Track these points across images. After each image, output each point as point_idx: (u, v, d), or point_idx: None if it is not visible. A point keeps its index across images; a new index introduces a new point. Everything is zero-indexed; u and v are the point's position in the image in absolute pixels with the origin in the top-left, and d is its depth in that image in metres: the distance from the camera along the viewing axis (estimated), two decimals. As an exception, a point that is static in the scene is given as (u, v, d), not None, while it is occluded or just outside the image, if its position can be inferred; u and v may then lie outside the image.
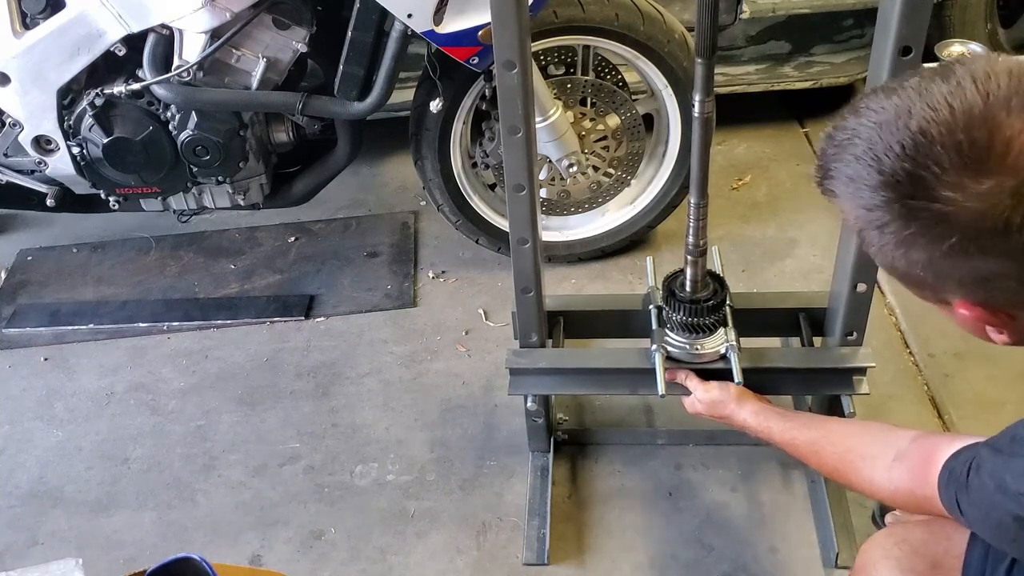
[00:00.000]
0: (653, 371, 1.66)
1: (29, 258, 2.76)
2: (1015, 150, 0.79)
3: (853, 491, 1.48)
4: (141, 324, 2.47)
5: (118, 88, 2.08)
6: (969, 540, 1.15)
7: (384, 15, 2.00)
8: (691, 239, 1.58)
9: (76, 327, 2.47)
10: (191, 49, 2.02)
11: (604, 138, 2.35)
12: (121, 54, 2.06)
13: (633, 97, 2.32)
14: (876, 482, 1.25)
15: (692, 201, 1.55)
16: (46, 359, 2.39)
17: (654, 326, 1.72)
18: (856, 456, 1.31)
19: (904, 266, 0.89)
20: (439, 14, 1.96)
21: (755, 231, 2.60)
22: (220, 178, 2.26)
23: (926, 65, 0.89)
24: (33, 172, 2.27)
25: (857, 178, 0.86)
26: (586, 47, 2.24)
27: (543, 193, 2.40)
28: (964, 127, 0.80)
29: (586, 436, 2.05)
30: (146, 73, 2.06)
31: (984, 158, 0.80)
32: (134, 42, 2.04)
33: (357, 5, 2.00)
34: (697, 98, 1.43)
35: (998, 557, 1.09)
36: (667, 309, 1.67)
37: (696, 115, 1.45)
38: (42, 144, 2.18)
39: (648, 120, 2.39)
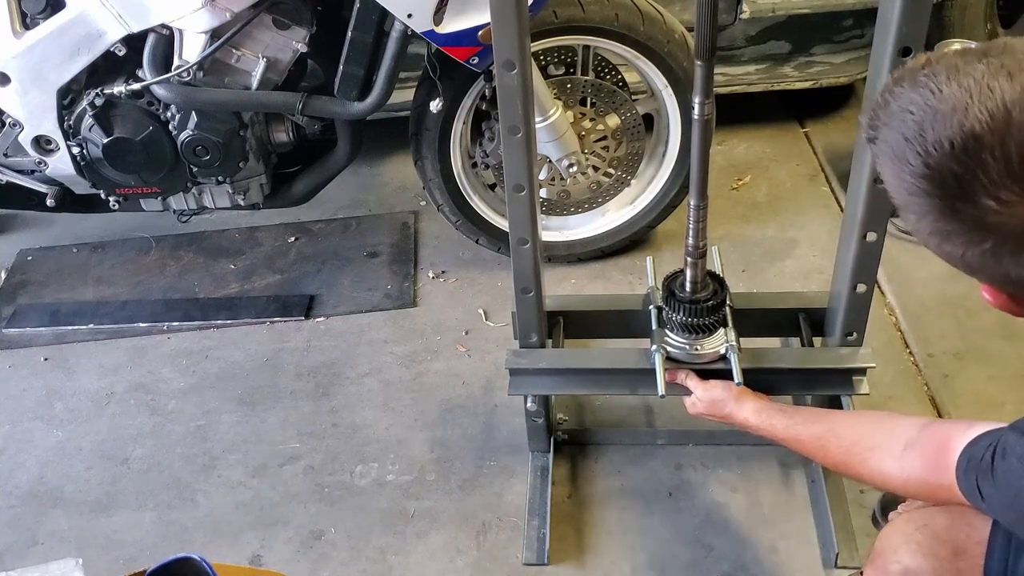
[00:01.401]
0: (653, 371, 1.66)
1: (29, 258, 2.76)
2: None
3: (863, 483, 1.48)
4: (141, 324, 2.47)
5: (118, 88, 2.08)
6: (992, 527, 1.14)
7: (384, 15, 2.00)
8: (691, 241, 1.58)
9: (76, 327, 2.47)
10: (191, 49, 2.02)
11: (604, 138, 2.35)
12: (121, 54, 2.05)
13: (633, 97, 2.32)
14: (887, 472, 1.25)
15: (692, 203, 1.55)
16: (46, 359, 2.39)
17: (654, 326, 1.72)
18: (864, 447, 1.30)
19: (935, 250, 0.89)
20: (439, 14, 1.96)
21: (755, 231, 2.60)
22: (220, 178, 2.26)
23: (997, 40, 0.83)
24: (33, 172, 2.27)
25: (903, 160, 0.84)
26: (586, 47, 2.23)
27: (543, 193, 2.40)
28: (1017, 140, 0.78)
29: (586, 436, 2.05)
30: (146, 73, 2.06)
31: None
32: (134, 42, 2.04)
33: (357, 5, 2.00)
34: (697, 100, 1.43)
35: (1021, 544, 1.08)
36: (667, 309, 1.67)
37: (696, 117, 1.45)
38: (42, 144, 2.18)
39: (648, 120, 2.39)
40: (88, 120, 2.12)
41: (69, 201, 2.34)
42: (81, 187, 2.29)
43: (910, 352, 2.18)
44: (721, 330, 1.68)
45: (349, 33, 2.04)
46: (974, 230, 0.82)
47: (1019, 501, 0.96)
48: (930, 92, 0.82)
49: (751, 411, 1.58)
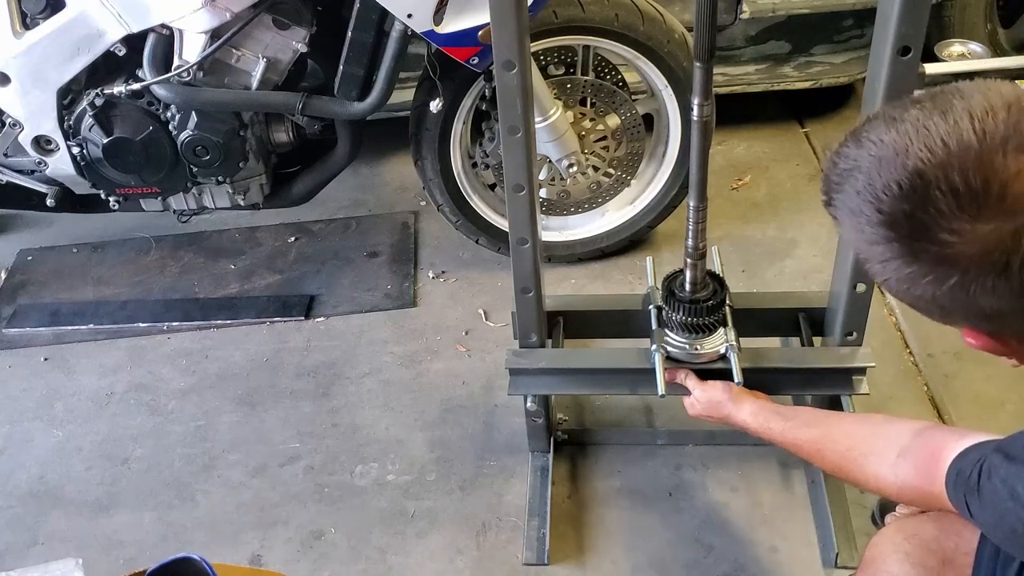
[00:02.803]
0: (653, 371, 1.66)
1: (29, 258, 2.76)
2: (1012, 194, 0.79)
3: (859, 488, 1.48)
4: (141, 324, 2.47)
5: (118, 88, 2.08)
6: (980, 538, 1.14)
7: (384, 15, 2.00)
8: (691, 242, 1.58)
9: (76, 327, 2.47)
10: (191, 49, 2.02)
11: (604, 138, 2.35)
12: (121, 54, 2.05)
13: (633, 97, 2.32)
14: (881, 478, 1.25)
15: (691, 204, 1.55)
16: (46, 359, 2.39)
17: (654, 326, 1.72)
18: (859, 453, 1.31)
19: (909, 299, 0.90)
20: (439, 14, 1.96)
21: (755, 231, 2.60)
22: (220, 178, 2.26)
23: (929, 89, 0.87)
24: (33, 172, 2.27)
25: (859, 213, 0.86)
26: (586, 47, 2.23)
27: (543, 193, 2.40)
28: (960, 170, 0.79)
29: (586, 436, 2.05)
30: (146, 73, 2.06)
31: (981, 202, 0.79)
32: (134, 42, 2.04)
33: (357, 5, 2.00)
34: (696, 102, 1.43)
35: (1008, 556, 1.08)
36: (667, 309, 1.67)
37: (695, 119, 1.45)
38: (42, 144, 2.18)
39: (648, 120, 2.39)
40: (88, 120, 2.12)
41: (69, 201, 2.34)
42: (81, 187, 2.29)
43: (910, 352, 2.18)
44: (721, 330, 1.67)
45: (349, 33, 2.04)
46: (937, 267, 0.83)
47: (1005, 523, 0.96)
48: (872, 144, 0.85)
49: (749, 413, 1.57)
